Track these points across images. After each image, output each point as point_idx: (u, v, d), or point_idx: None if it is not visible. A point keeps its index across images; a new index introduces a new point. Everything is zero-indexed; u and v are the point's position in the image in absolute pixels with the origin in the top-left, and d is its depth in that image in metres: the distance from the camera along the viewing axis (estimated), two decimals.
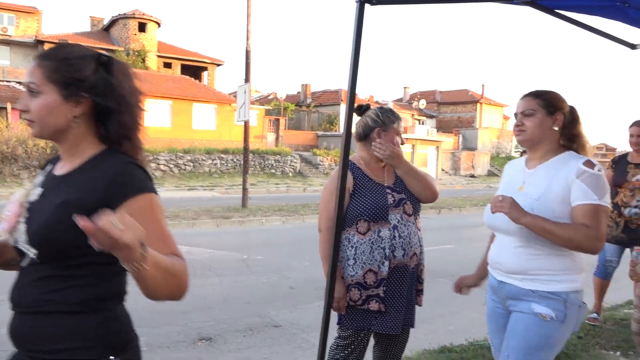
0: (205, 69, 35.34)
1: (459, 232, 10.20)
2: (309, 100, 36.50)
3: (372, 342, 2.58)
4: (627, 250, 3.92)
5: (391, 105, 39.34)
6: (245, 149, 12.49)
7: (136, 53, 30.40)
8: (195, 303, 5.10)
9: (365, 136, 2.43)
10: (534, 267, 1.82)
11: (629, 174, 4.05)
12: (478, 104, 43.36)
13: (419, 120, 40.65)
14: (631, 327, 3.46)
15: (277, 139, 29.47)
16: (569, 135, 1.93)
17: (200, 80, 33.25)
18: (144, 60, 30.51)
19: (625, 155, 4.25)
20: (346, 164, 2.14)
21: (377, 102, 39.34)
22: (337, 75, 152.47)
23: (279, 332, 4.35)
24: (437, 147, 32.82)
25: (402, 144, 2.42)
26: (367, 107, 2.47)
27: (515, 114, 1.96)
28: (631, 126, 4.08)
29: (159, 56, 32.70)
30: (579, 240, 1.71)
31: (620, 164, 4.14)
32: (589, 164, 1.80)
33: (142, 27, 31.58)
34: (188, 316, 4.68)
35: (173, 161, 22.12)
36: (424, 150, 32.11)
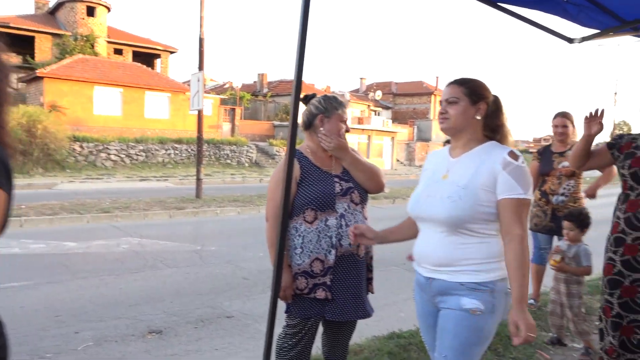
0: (158, 56, 34.39)
1: None
2: (265, 90, 36.20)
3: (320, 330, 2.60)
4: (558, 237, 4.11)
5: (348, 96, 39.61)
6: (199, 138, 12.26)
7: (84, 38, 29.19)
8: (146, 295, 4.99)
9: (309, 124, 2.44)
10: (461, 257, 1.79)
11: (554, 163, 4.25)
12: (432, 96, 44.21)
13: (375, 111, 41.08)
14: (548, 307, 3.68)
15: (232, 128, 29.09)
16: (492, 126, 1.92)
17: (153, 68, 32.32)
18: (93, 46, 29.34)
19: (549, 146, 4.47)
20: (292, 153, 2.13)
21: (334, 93, 39.44)
22: (293, 64, 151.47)
23: (231, 323, 4.32)
24: (393, 138, 33.31)
25: (347, 131, 2.44)
26: (313, 96, 2.47)
27: (441, 102, 1.96)
28: (555, 117, 4.26)
29: (109, 42, 31.54)
30: (527, 253, 1.73)
31: (545, 154, 4.32)
32: (513, 155, 1.80)
33: (90, 11, 30.34)
34: (138, 309, 4.58)
35: (124, 151, 21.47)
36: (380, 141, 32.52)
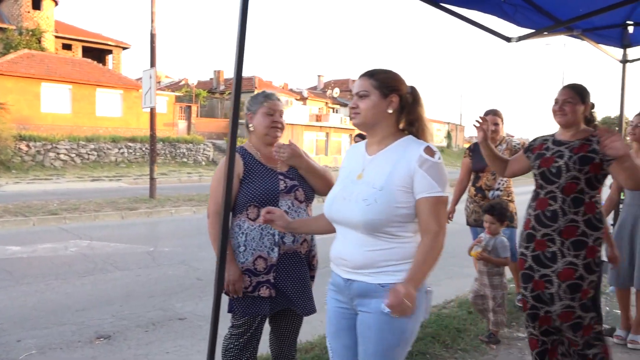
0: (110, 52, 33.30)
1: None
2: (222, 87, 35.72)
3: (268, 329, 2.59)
4: None
5: (305, 94, 39.58)
6: (152, 136, 11.98)
7: (30, 32, 27.89)
8: (94, 300, 4.83)
9: (246, 124, 2.48)
10: (380, 259, 1.72)
11: None
12: None
13: (333, 108, 41.26)
14: (469, 296, 3.80)
15: (189, 126, 28.56)
16: (408, 119, 1.84)
17: (104, 64, 31.30)
18: (39, 41, 28.07)
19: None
20: (233, 149, 2.12)
21: (291, 90, 39.38)
22: (250, 62, 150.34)
23: (183, 325, 4.24)
24: (351, 135, 33.53)
25: (282, 127, 2.43)
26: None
27: (352, 95, 1.85)
28: (485, 115, 4.30)
29: (57, 37, 30.29)
30: (436, 251, 1.69)
31: (476, 151, 4.36)
32: (429, 151, 1.73)
33: (36, 4, 29.04)
34: (85, 314, 4.43)
35: (75, 150, 20.71)
36: (338, 138, 32.72)
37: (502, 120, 4.36)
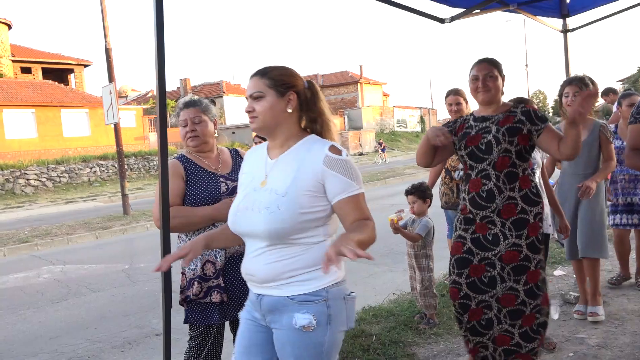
0: (71, 71, 32.67)
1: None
2: (190, 95, 35.34)
3: (230, 337, 2.56)
4: None
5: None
6: (119, 153, 11.78)
7: None
8: (67, 325, 4.73)
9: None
10: (286, 270, 1.59)
11: None
12: (359, 84, 44.91)
13: None
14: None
15: None
16: (310, 116, 1.71)
17: (67, 84, 30.70)
18: None
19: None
20: (165, 155, 2.11)
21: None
22: (217, 67, 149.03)
23: (159, 341, 4.14)
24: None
25: (193, 134, 2.37)
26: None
27: (247, 97, 1.71)
28: (447, 96, 4.26)
29: (14, 61, 29.59)
30: (372, 236, 1.57)
31: None
32: (335, 150, 1.62)
33: None
34: (58, 341, 4.34)
35: (45, 174, 20.26)
36: None
37: (465, 100, 4.34)
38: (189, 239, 2.27)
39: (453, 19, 2.97)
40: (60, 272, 7.01)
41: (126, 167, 18.88)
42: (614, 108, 6.59)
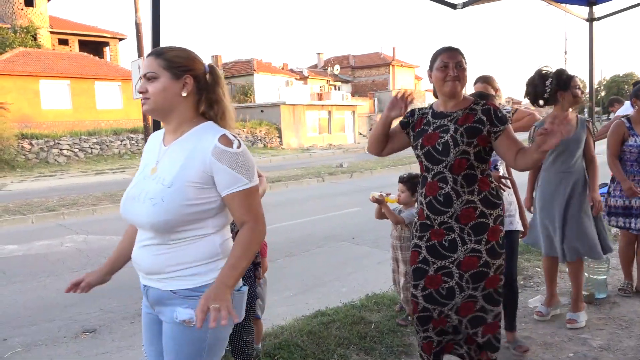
0: (106, 44, 33.18)
1: (367, 194, 10.42)
2: (220, 72, 35.52)
3: None
4: None
5: (305, 73, 39.24)
6: (146, 127, 12.01)
7: (25, 30, 27.88)
8: (83, 295, 4.80)
9: None
10: (171, 264, 1.56)
11: None
12: (390, 67, 44.27)
13: (335, 85, 40.94)
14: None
15: None
16: (209, 101, 1.64)
17: (102, 57, 31.23)
18: (35, 38, 28.08)
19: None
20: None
21: (291, 70, 39.07)
22: (248, 45, 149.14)
23: None
24: (353, 112, 33.32)
25: None
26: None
27: (141, 77, 1.63)
28: (476, 83, 3.99)
29: (52, 32, 30.23)
30: (255, 244, 1.55)
31: None
32: (226, 141, 1.54)
33: (29, 1, 28.90)
34: (73, 309, 4.50)
35: (77, 145, 20.82)
36: (341, 115, 32.48)
37: (495, 88, 4.16)
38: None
39: (465, 4, 2.87)
40: (83, 242, 7.24)
41: None
42: (616, 113, 6.41)
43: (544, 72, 3.25)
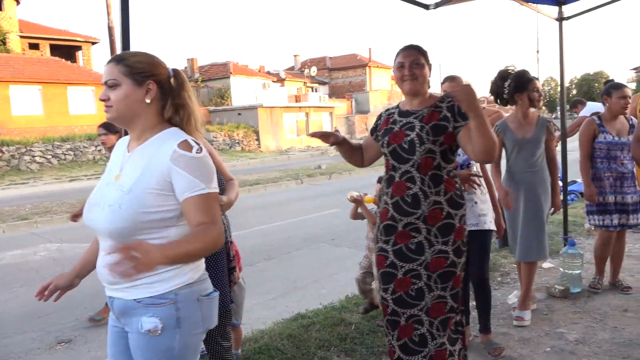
0: (79, 48, 32.59)
1: (345, 195, 10.42)
2: (196, 75, 35.19)
3: None
4: None
5: (282, 75, 39.17)
6: (120, 132, 11.78)
7: None
8: (58, 304, 4.66)
9: None
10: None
11: None
12: (367, 68, 44.50)
13: (312, 87, 40.94)
14: (357, 275, 3.59)
15: None
16: (175, 106, 1.61)
17: (74, 61, 30.65)
18: (4, 42, 27.40)
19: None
20: None
21: (268, 73, 38.94)
22: (224, 47, 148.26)
23: None
24: (331, 113, 33.39)
25: None
26: None
27: (102, 84, 1.59)
28: (443, 83, 4.06)
29: (22, 37, 29.54)
30: (209, 242, 1.47)
31: None
32: (186, 145, 1.51)
33: None
34: (48, 319, 4.39)
35: (50, 151, 20.36)
36: (318, 117, 32.51)
37: None
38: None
39: (437, 5, 2.89)
40: (57, 251, 7.08)
41: None
42: (579, 114, 6.62)
43: (506, 72, 3.31)
